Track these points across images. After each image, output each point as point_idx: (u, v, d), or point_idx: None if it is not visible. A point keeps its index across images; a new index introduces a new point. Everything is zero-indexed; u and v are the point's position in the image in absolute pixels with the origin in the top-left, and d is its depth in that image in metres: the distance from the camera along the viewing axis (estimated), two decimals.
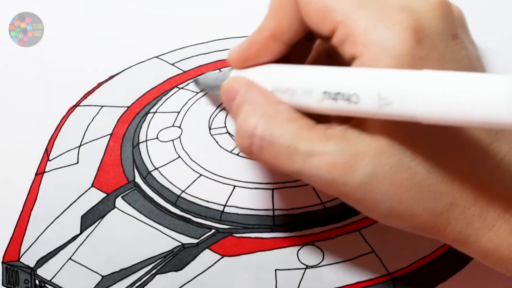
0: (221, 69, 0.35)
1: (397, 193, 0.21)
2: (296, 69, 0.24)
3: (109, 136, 0.33)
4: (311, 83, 0.22)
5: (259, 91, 0.24)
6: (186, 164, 0.31)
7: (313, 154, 0.21)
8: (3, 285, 0.27)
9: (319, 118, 0.23)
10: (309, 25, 0.24)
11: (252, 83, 0.25)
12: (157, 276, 0.27)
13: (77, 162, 0.31)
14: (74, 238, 0.28)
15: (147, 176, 0.30)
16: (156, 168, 0.30)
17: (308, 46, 0.27)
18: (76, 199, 0.30)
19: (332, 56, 0.26)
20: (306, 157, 0.21)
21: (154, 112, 0.34)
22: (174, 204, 0.29)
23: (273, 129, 0.22)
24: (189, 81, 0.35)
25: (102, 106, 0.34)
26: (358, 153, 0.21)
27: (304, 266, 0.27)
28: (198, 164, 0.30)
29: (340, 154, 0.21)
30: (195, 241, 0.28)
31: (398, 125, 0.20)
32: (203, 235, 0.28)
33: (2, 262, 0.28)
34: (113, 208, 0.29)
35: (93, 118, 0.34)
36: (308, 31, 0.24)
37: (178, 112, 0.33)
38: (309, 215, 0.28)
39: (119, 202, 0.30)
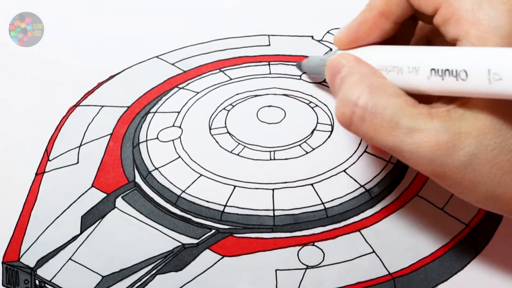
0: (326, 53, 0.36)
1: (497, 175, 0.21)
2: (402, 49, 0.24)
3: (109, 136, 0.33)
4: (418, 60, 0.22)
5: (366, 66, 0.24)
6: (186, 164, 0.31)
7: (415, 130, 0.21)
8: (3, 285, 0.27)
9: (422, 100, 0.23)
10: (413, 3, 0.24)
11: (359, 58, 0.25)
12: (157, 276, 0.27)
13: (77, 162, 0.31)
14: (74, 238, 0.28)
15: (147, 176, 0.30)
16: (156, 168, 0.30)
17: (411, 28, 0.27)
18: (76, 199, 0.30)
19: (431, 41, 0.27)
20: (408, 132, 0.21)
21: (154, 112, 0.34)
22: (174, 204, 0.29)
23: (378, 101, 0.22)
24: (189, 81, 0.35)
25: (102, 106, 0.34)
26: (462, 132, 0.21)
27: (305, 266, 0.27)
28: (198, 164, 0.30)
29: (444, 132, 0.21)
30: (195, 241, 0.28)
31: (502, 106, 0.20)
32: (203, 235, 0.28)
33: (2, 262, 0.28)
34: (113, 208, 0.29)
35: (93, 118, 0.33)
36: (413, 11, 0.25)
37: (178, 112, 0.33)
38: (309, 215, 0.28)
39: (119, 202, 0.30)
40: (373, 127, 0.22)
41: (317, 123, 0.32)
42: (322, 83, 0.34)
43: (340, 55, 0.26)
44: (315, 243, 0.28)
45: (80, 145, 0.32)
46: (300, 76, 0.35)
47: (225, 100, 0.34)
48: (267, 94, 0.34)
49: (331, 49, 0.37)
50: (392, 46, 0.25)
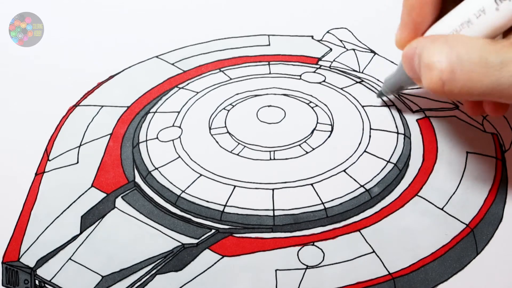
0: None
1: None
2: (461, 6, 0.24)
3: (109, 136, 0.33)
4: (480, 2, 0.23)
5: (437, 36, 0.24)
6: (186, 164, 0.31)
7: (507, 61, 0.21)
8: (3, 285, 0.27)
9: None
10: None
11: (428, 36, 0.25)
12: (157, 276, 0.27)
13: (77, 162, 0.31)
14: (74, 238, 0.28)
15: (147, 176, 0.30)
16: (156, 168, 0.30)
17: None
18: (76, 199, 0.30)
19: None
20: (502, 67, 0.21)
21: (154, 112, 0.33)
22: (174, 204, 0.29)
23: (460, 50, 0.22)
24: (189, 81, 0.35)
25: (102, 106, 0.34)
26: None
27: (305, 266, 0.27)
28: (198, 164, 0.30)
29: None
30: (195, 241, 0.28)
31: None
32: (203, 235, 0.28)
33: (2, 262, 0.28)
34: (113, 208, 0.29)
35: (93, 118, 0.33)
36: None
37: (178, 112, 0.33)
38: (309, 215, 0.28)
39: (119, 202, 0.30)
40: (466, 76, 0.22)
41: (317, 123, 0.32)
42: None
43: (410, 44, 0.26)
44: (315, 243, 0.28)
45: (80, 145, 0.32)
46: (300, 76, 0.35)
47: (225, 100, 0.34)
48: (267, 94, 0.34)
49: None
50: (450, 11, 0.25)
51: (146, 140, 0.32)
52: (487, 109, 0.27)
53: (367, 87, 0.34)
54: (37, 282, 0.27)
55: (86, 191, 0.30)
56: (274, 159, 0.31)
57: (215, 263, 0.27)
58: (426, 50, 0.24)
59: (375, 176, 0.30)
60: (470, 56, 0.22)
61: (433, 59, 0.23)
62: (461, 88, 0.23)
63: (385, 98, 0.34)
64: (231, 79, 0.35)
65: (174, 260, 0.27)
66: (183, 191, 0.29)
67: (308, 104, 0.33)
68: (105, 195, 0.30)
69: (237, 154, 0.31)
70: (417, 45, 0.25)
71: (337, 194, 0.29)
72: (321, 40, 0.38)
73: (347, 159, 0.30)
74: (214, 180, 0.30)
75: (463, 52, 0.22)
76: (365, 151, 0.31)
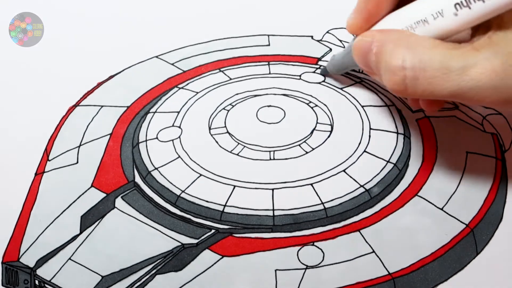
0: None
1: None
2: (418, 3, 0.25)
3: (108, 136, 0.33)
4: (439, 3, 0.23)
5: (392, 32, 0.25)
6: (186, 164, 0.31)
7: (468, 66, 0.22)
8: (2, 285, 0.27)
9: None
10: None
11: (382, 29, 0.26)
12: (157, 276, 0.27)
13: (77, 162, 0.31)
14: (74, 238, 0.28)
15: (147, 176, 0.30)
16: (156, 168, 0.30)
17: None
18: (76, 199, 0.30)
19: None
20: (462, 72, 0.22)
21: (154, 112, 0.33)
22: (174, 204, 0.29)
23: (422, 56, 0.23)
24: (188, 81, 0.35)
25: (102, 106, 0.34)
26: (511, 51, 0.21)
27: (304, 266, 0.27)
28: (198, 164, 0.30)
29: (495, 57, 0.21)
30: (195, 241, 0.28)
31: None
32: (203, 235, 0.28)
33: (2, 262, 0.28)
34: (112, 208, 0.29)
35: (93, 118, 0.33)
36: None
37: (178, 112, 0.33)
38: (309, 215, 0.28)
39: (119, 202, 0.30)
40: (428, 82, 0.23)
41: (317, 123, 0.32)
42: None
43: (363, 35, 0.26)
44: (315, 243, 0.28)
45: (80, 145, 0.32)
46: (300, 76, 0.35)
47: (225, 100, 0.34)
48: (266, 94, 0.34)
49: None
50: (406, 6, 0.25)
51: (146, 140, 0.32)
52: (421, 104, 0.28)
53: (367, 87, 0.34)
54: (37, 282, 0.27)
55: (85, 191, 0.30)
56: (274, 159, 0.31)
57: (215, 263, 0.27)
58: (388, 53, 0.24)
59: (375, 176, 0.30)
60: (432, 62, 0.22)
61: (397, 64, 0.23)
62: (423, 91, 0.23)
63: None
64: (231, 79, 0.35)
65: (174, 260, 0.27)
66: (183, 191, 0.29)
67: (307, 104, 0.33)
68: (104, 195, 0.30)
69: (237, 154, 0.31)
70: (373, 40, 0.25)
71: (337, 194, 0.29)
72: (321, 40, 0.38)
73: (346, 159, 0.30)
74: (214, 180, 0.30)
75: (426, 58, 0.23)
76: (364, 151, 0.31)
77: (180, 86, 0.35)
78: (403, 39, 0.24)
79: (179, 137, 0.32)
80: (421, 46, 0.23)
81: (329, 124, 0.32)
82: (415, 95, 0.24)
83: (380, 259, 0.27)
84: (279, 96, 0.34)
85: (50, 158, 0.32)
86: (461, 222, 0.28)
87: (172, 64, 0.37)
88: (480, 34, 0.23)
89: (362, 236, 0.28)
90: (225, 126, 0.32)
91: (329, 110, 0.33)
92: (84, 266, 0.27)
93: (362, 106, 0.33)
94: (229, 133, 0.32)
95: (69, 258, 0.27)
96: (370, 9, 0.26)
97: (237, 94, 0.34)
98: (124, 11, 0.41)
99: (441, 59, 0.22)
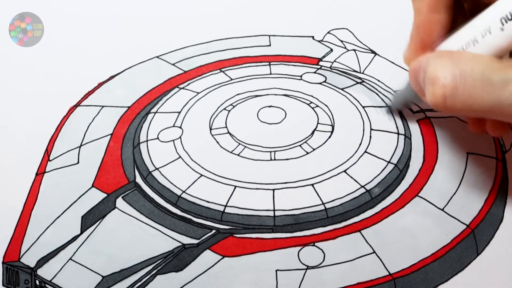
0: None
1: None
2: (468, 24, 0.25)
3: (109, 136, 0.33)
4: (486, 21, 0.23)
5: (440, 51, 0.25)
6: (187, 164, 0.31)
7: (509, 80, 0.22)
8: (3, 285, 0.27)
9: None
10: None
11: (436, 52, 0.26)
12: (158, 276, 0.27)
13: (78, 162, 0.31)
14: (75, 238, 0.28)
15: (147, 176, 0.30)
16: (156, 168, 0.30)
17: (463, 13, 0.28)
18: (77, 200, 0.30)
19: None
20: (503, 85, 0.22)
21: (155, 112, 0.33)
22: (175, 205, 0.29)
23: (463, 66, 0.23)
24: (189, 81, 0.35)
25: (103, 106, 0.34)
26: None
27: (305, 267, 0.27)
28: (199, 165, 0.30)
29: None
30: (195, 241, 0.28)
31: None
32: (203, 235, 0.28)
33: (3, 263, 0.28)
34: (113, 209, 0.29)
35: (93, 118, 0.33)
36: None
37: (179, 112, 0.33)
38: (310, 216, 0.28)
39: (120, 202, 0.30)
40: (468, 93, 0.22)
41: (318, 123, 0.32)
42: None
43: (418, 58, 0.26)
44: (316, 244, 0.28)
45: (81, 145, 0.32)
46: (301, 76, 0.35)
47: (226, 100, 0.34)
48: (267, 95, 0.34)
49: (331, 50, 0.37)
50: (457, 29, 0.26)
51: (147, 140, 0.32)
52: (488, 127, 0.28)
53: (368, 88, 0.34)
54: (37, 282, 0.27)
55: (86, 191, 0.30)
56: (275, 159, 0.31)
57: (215, 263, 0.27)
58: (431, 64, 0.24)
59: (375, 177, 0.30)
60: (473, 73, 0.22)
61: (437, 74, 0.23)
62: (463, 104, 0.23)
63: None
64: (231, 79, 0.35)
65: (175, 261, 0.27)
66: (184, 192, 0.29)
67: (308, 104, 0.33)
68: (105, 195, 0.30)
69: (238, 155, 0.31)
70: (423, 60, 0.25)
71: (338, 195, 0.29)
72: (321, 40, 0.38)
73: (347, 160, 0.30)
74: (214, 180, 0.30)
75: (467, 69, 0.22)
76: (365, 151, 0.31)
77: (181, 86, 0.35)
78: (447, 53, 0.24)
79: (180, 137, 0.32)
80: (463, 58, 0.23)
81: (330, 125, 0.32)
82: (454, 109, 0.23)
83: (380, 259, 0.27)
84: (280, 97, 0.34)
85: (50, 158, 0.32)
86: (461, 222, 0.28)
87: (173, 64, 0.37)
88: None
89: (363, 236, 0.28)
90: (226, 127, 0.32)
91: (330, 110, 0.33)
92: (85, 266, 0.27)
93: (363, 107, 0.33)
94: (230, 134, 0.32)
95: (70, 258, 0.27)
96: (422, 37, 0.26)
97: (238, 94, 0.34)
98: (125, 11, 0.41)
99: (482, 71, 0.22)
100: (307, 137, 0.32)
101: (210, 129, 0.32)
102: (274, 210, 0.29)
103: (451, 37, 0.26)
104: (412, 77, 0.27)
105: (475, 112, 0.23)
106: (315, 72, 0.36)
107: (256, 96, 0.34)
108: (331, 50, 0.37)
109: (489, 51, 0.23)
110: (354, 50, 0.37)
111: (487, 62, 0.22)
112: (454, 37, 0.26)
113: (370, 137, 0.32)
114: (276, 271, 0.27)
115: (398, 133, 0.32)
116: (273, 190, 0.29)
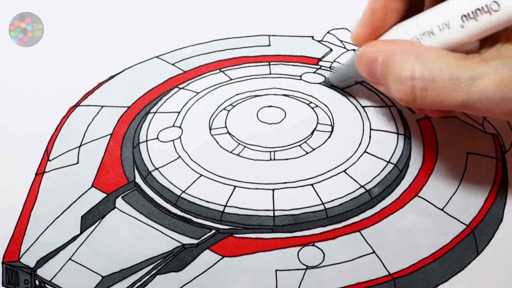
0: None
1: None
2: (424, 14, 0.25)
3: (109, 136, 0.33)
4: (445, 14, 0.23)
5: (399, 42, 0.25)
6: (187, 164, 0.31)
7: (477, 77, 0.22)
8: (3, 285, 0.27)
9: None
10: None
11: (388, 40, 0.26)
12: (157, 276, 0.27)
13: (77, 162, 0.31)
14: (74, 238, 0.28)
15: (147, 176, 0.30)
16: (156, 168, 0.30)
17: (420, 4, 0.27)
18: (76, 199, 0.30)
19: None
20: (471, 83, 0.22)
21: (155, 112, 0.33)
22: (175, 205, 0.29)
23: (431, 66, 0.23)
24: (189, 81, 0.35)
25: (103, 106, 0.34)
26: None
27: (305, 267, 0.27)
28: (199, 164, 0.30)
29: (504, 68, 0.22)
30: (195, 241, 0.28)
31: None
32: (203, 235, 0.28)
33: (2, 263, 0.28)
34: (113, 209, 0.29)
35: (93, 118, 0.33)
36: None
37: (179, 112, 0.33)
38: (309, 216, 0.28)
39: (119, 202, 0.30)
40: (437, 92, 0.23)
41: (317, 123, 0.32)
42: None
43: (368, 45, 0.26)
44: (315, 244, 0.28)
45: (80, 145, 0.32)
46: (301, 76, 0.35)
47: (225, 100, 0.34)
48: (267, 94, 0.34)
49: (331, 49, 0.37)
50: (412, 17, 0.25)
51: (147, 140, 0.32)
52: (427, 111, 0.29)
53: (367, 88, 0.34)
54: (37, 282, 0.27)
55: (86, 191, 0.30)
56: (275, 159, 0.31)
57: (215, 263, 0.27)
58: (396, 62, 0.24)
59: (375, 177, 0.30)
60: (442, 73, 0.23)
61: (406, 73, 0.23)
62: (432, 102, 0.23)
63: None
64: (231, 79, 0.35)
65: (174, 261, 0.27)
66: (183, 191, 0.29)
67: (308, 104, 0.33)
68: (105, 195, 0.30)
69: (237, 155, 0.31)
70: (379, 50, 0.25)
71: (338, 195, 0.29)
72: (321, 40, 0.38)
73: (347, 160, 0.30)
74: (214, 180, 0.30)
75: (435, 69, 0.23)
76: (365, 151, 0.31)
77: (181, 86, 0.35)
78: (412, 50, 0.24)
79: (180, 137, 0.32)
80: (430, 57, 0.23)
81: (329, 125, 0.32)
82: (424, 106, 0.24)
83: (380, 259, 0.27)
84: (279, 97, 0.34)
85: (50, 158, 0.32)
86: (461, 222, 0.28)
87: (173, 64, 0.37)
88: (488, 45, 0.23)
89: (363, 236, 0.28)
90: (226, 127, 0.32)
91: (329, 110, 0.33)
92: (85, 266, 0.27)
93: (363, 107, 0.33)
94: (230, 134, 0.32)
95: (70, 258, 0.27)
96: (375, 21, 0.26)
97: (237, 94, 0.34)
98: (125, 11, 0.41)
99: (450, 70, 0.22)
100: (307, 137, 0.32)
101: (210, 129, 0.32)
102: (273, 210, 0.29)
103: (404, 24, 0.26)
104: (364, 65, 0.26)
105: (444, 108, 0.23)
106: (314, 72, 0.36)
107: (256, 96, 0.34)
108: (331, 50, 0.37)
109: (444, 44, 0.23)
110: (354, 50, 0.37)
111: (453, 61, 0.23)
112: (407, 25, 0.25)
113: (370, 137, 0.32)
114: (276, 271, 0.27)
115: (397, 133, 0.32)
116: (273, 190, 0.29)
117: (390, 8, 0.26)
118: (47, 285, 0.27)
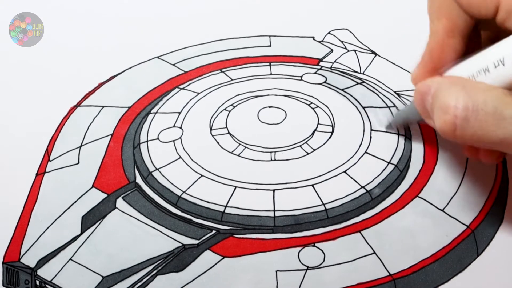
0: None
1: None
2: (481, 52, 0.24)
3: (110, 136, 0.33)
4: (501, 52, 0.23)
5: (453, 77, 0.25)
6: (187, 164, 0.31)
7: None
8: (3, 285, 0.27)
9: None
10: (472, 12, 0.24)
11: (445, 76, 0.26)
12: (158, 276, 0.27)
13: (78, 163, 0.31)
14: (75, 238, 0.28)
15: (148, 176, 0.30)
16: (157, 169, 0.30)
17: (477, 43, 0.27)
18: (77, 200, 0.30)
19: None
20: None
21: (155, 113, 0.33)
22: (175, 205, 0.29)
23: (476, 98, 0.22)
24: (190, 82, 0.35)
25: (103, 107, 0.34)
26: None
27: (305, 267, 0.27)
28: (199, 165, 0.30)
29: None
30: (195, 242, 0.28)
31: None
32: (204, 236, 0.28)
33: (3, 263, 0.28)
34: (113, 209, 0.29)
35: (94, 119, 0.33)
36: (474, 20, 0.25)
37: (179, 113, 0.33)
38: (310, 216, 0.28)
39: (120, 202, 0.30)
40: (478, 125, 0.22)
41: (318, 124, 0.32)
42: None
43: (426, 80, 0.26)
44: (316, 244, 0.28)
45: (81, 145, 0.32)
46: (301, 77, 0.35)
47: (226, 101, 0.34)
48: (268, 95, 0.34)
49: (331, 50, 0.37)
50: (469, 55, 0.25)
51: (147, 141, 0.32)
52: (481, 155, 0.27)
53: (368, 88, 0.34)
54: (37, 282, 0.27)
55: (86, 192, 0.30)
56: (275, 160, 0.31)
57: (215, 263, 0.27)
58: (442, 91, 0.24)
59: (376, 177, 0.30)
60: (485, 106, 0.22)
61: (449, 103, 0.23)
62: (472, 135, 0.23)
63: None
64: (232, 80, 0.35)
65: (175, 261, 0.27)
66: (184, 192, 0.29)
67: (309, 105, 0.33)
68: (105, 195, 0.30)
69: (238, 155, 0.31)
70: (432, 84, 0.25)
71: (338, 195, 0.29)
72: (322, 41, 0.38)
73: (347, 160, 0.30)
74: (215, 181, 0.30)
75: (479, 100, 0.22)
76: (366, 152, 0.31)
77: (181, 86, 0.35)
78: (459, 81, 0.24)
79: (180, 137, 0.32)
80: (477, 88, 0.23)
81: (330, 125, 0.32)
82: (463, 139, 0.23)
83: (380, 260, 0.27)
84: (280, 97, 0.34)
85: (51, 159, 0.32)
86: (461, 223, 0.28)
87: (173, 64, 0.37)
88: None
89: (363, 237, 0.28)
90: (226, 127, 0.32)
91: (330, 111, 0.33)
92: (85, 267, 0.27)
93: (363, 107, 0.33)
94: (230, 134, 0.32)
95: (70, 259, 0.27)
96: (434, 60, 0.26)
97: (238, 95, 0.34)
98: (125, 11, 0.41)
99: (495, 104, 0.22)
100: (308, 137, 0.32)
101: (211, 129, 0.32)
102: (274, 211, 0.29)
103: (462, 63, 0.26)
104: (419, 98, 0.26)
105: (484, 143, 0.23)
106: (315, 73, 0.36)
107: (257, 96, 0.34)
108: (332, 50, 0.38)
109: (499, 82, 0.23)
110: (355, 50, 0.37)
111: (500, 96, 0.22)
112: (465, 64, 0.25)
113: (370, 137, 0.32)
114: (276, 271, 0.27)
115: (398, 134, 0.32)
116: (273, 190, 0.29)
117: (447, 45, 0.26)
118: (47, 285, 0.27)
